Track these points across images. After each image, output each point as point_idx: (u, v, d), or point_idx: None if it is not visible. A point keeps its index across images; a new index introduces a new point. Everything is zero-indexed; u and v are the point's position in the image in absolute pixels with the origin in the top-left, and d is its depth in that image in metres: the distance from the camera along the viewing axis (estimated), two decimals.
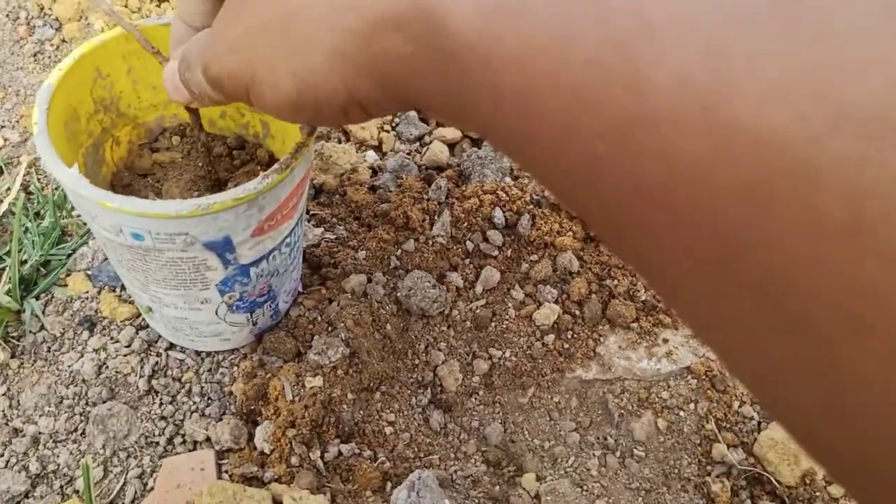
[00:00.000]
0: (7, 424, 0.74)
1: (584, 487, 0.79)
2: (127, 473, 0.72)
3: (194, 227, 0.57)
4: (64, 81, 0.63)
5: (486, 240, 0.90)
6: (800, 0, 0.19)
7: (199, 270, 0.62)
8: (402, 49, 0.30)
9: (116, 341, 0.78)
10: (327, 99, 0.35)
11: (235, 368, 0.78)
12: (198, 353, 0.79)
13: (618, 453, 0.81)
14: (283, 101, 0.37)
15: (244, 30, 0.38)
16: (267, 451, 0.72)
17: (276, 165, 0.58)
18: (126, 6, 1.01)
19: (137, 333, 0.78)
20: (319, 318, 0.78)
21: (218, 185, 0.73)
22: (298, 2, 0.34)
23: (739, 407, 0.83)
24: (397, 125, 1.01)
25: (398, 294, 0.84)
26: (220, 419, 0.75)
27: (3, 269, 0.80)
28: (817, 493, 0.78)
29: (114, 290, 0.81)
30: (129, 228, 0.57)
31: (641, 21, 0.21)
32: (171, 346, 0.79)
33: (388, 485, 0.74)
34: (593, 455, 0.81)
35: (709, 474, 0.80)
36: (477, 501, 0.75)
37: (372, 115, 0.36)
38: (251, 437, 0.73)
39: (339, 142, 0.99)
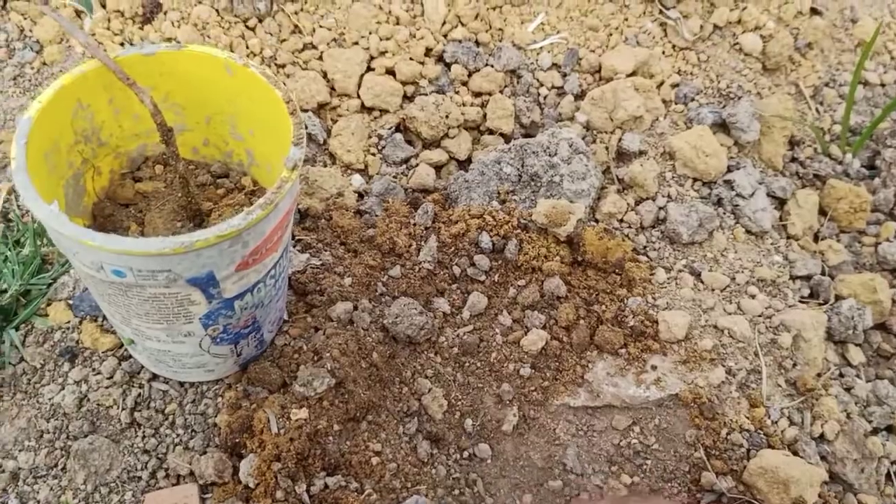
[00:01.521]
0: None
1: None
2: None
3: (177, 264, 0.56)
4: (44, 114, 0.61)
5: (473, 265, 0.89)
6: None
7: (182, 305, 0.61)
8: None
9: (98, 373, 0.77)
10: None
11: (220, 399, 0.77)
12: (181, 383, 0.77)
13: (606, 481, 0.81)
14: None
15: None
16: (252, 485, 0.70)
17: (260, 201, 0.57)
18: (108, 28, 1.00)
19: (120, 364, 0.77)
20: (305, 348, 0.77)
21: (199, 216, 0.72)
22: None
23: (728, 434, 0.82)
24: (383, 148, 1.00)
25: (384, 321, 0.83)
26: (205, 452, 0.73)
27: None
28: None
29: (96, 320, 0.79)
30: (111, 266, 0.56)
31: None
32: (155, 377, 0.77)
33: None
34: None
35: (699, 502, 0.80)
36: None
37: None
38: (235, 470, 0.72)
39: (325, 165, 0.98)
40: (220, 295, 0.62)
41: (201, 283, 0.59)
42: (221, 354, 0.72)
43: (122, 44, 0.99)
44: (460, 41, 1.06)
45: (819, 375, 0.89)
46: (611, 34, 1.11)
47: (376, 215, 0.93)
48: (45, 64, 1.00)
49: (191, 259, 0.56)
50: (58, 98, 0.63)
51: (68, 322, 0.79)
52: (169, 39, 0.98)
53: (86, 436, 0.74)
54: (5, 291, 0.79)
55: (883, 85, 1.18)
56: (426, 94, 1.03)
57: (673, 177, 1.00)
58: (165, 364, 0.73)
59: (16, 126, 0.59)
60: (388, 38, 1.04)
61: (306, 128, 0.97)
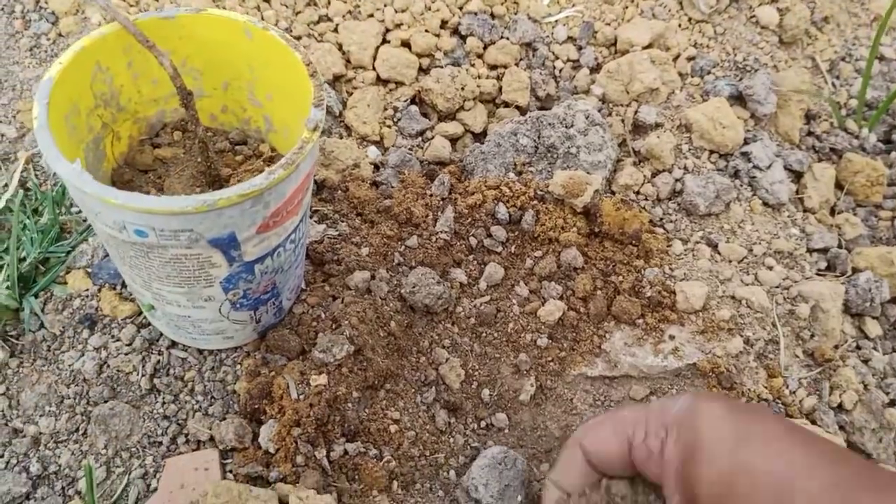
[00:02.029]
0: (7, 425, 0.73)
1: None
2: (130, 474, 0.71)
3: (199, 223, 0.56)
4: (64, 75, 0.61)
5: (489, 235, 0.89)
6: None
7: (203, 268, 0.61)
8: None
9: (118, 340, 0.77)
10: None
11: (239, 367, 0.77)
12: (200, 351, 0.78)
13: None
14: None
15: None
16: (272, 450, 0.70)
17: (281, 161, 0.57)
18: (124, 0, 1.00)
19: (139, 332, 0.77)
20: (323, 316, 0.77)
21: (218, 182, 0.72)
22: None
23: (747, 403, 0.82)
24: (398, 120, 1.00)
25: (402, 290, 0.83)
26: (224, 418, 0.74)
27: (2, 266, 0.79)
28: None
29: (114, 288, 0.79)
30: (133, 225, 0.56)
31: None
32: (174, 345, 0.78)
33: (395, 484, 0.73)
34: None
35: None
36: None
37: None
38: (255, 436, 0.72)
39: (341, 137, 0.98)
40: (240, 258, 0.62)
41: (223, 245, 0.59)
42: (241, 321, 0.72)
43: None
44: (476, 13, 1.05)
45: (836, 347, 0.89)
46: (626, 7, 1.10)
47: (392, 187, 0.93)
48: (60, 35, 1.00)
49: (212, 218, 0.56)
50: (78, 60, 0.63)
51: (87, 290, 0.79)
52: None
53: (106, 401, 0.74)
54: (24, 259, 0.79)
55: None
56: (442, 67, 1.03)
57: (689, 149, 1.00)
58: (185, 330, 0.73)
59: (36, 89, 0.59)
60: (403, 11, 1.04)
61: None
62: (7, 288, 0.77)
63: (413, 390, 0.79)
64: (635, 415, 0.58)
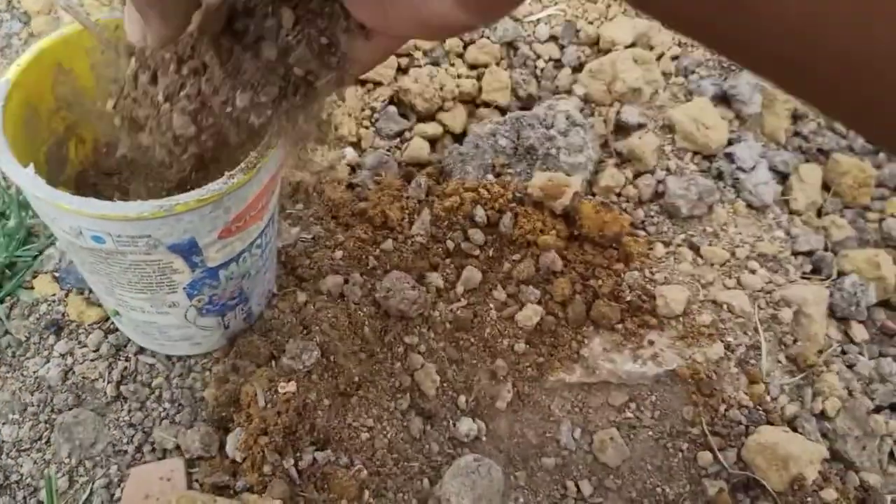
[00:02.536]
0: None
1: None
2: (93, 483, 0.70)
3: (157, 229, 0.54)
4: (22, 77, 0.60)
5: (467, 239, 0.88)
6: None
7: (164, 273, 0.60)
8: None
9: (84, 346, 0.75)
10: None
11: (207, 373, 0.75)
12: (168, 357, 0.76)
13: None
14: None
15: None
16: (238, 459, 0.69)
17: (241, 165, 0.55)
18: None
19: (106, 337, 0.76)
20: (294, 321, 0.76)
21: (186, 185, 0.71)
22: None
23: (726, 411, 0.81)
24: (377, 121, 0.98)
25: (376, 295, 0.81)
26: (191, 426, 0.72)
27: None
28: (808, 499, 0.76)
29: (82, 293, 0.78)
30: (90, 231, 0.54)
31: None
32: (141, 351, 0.76)
33: (366, 493, 0.71)
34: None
35: (701, 477, 0.78)
36: None
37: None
38: (222, 444, 0.71)
39: None
40: (203, 263, 0.61)
41: (183, 251, 0.58)
42: (208, 327, 0.71)
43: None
44: None
45: (820, 352, 0.87)
46: (609, 5, 1.09)
47: (368, 189, 0.91)
48: (32, 35, 0.98)
49: (170, 224, 0.54)
50: (36, 61, 0.62)
51: (54, 294, 0.78)
52: None
53: (70, 409, 0.73)
54: None
55: None
56: (420, 66, 1.01)
57: (672, 150, 0.98)
58: (151, 336, 0.72)
59: None
60: None
61: None
62: None
63: (387, 397, 0.78)
64: None
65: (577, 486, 0.78)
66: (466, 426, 0.78)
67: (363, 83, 1.00)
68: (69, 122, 0.68)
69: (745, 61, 0.29)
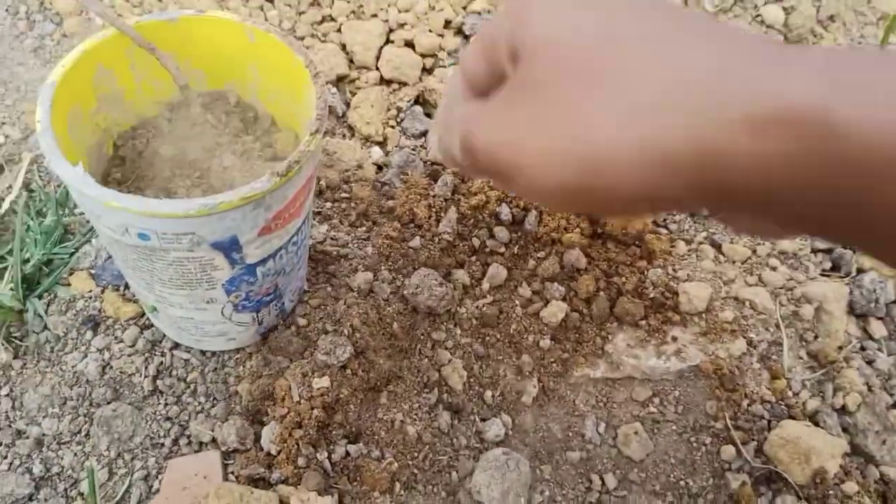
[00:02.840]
0: (10, 426, 0.73)
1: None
2: (132, 475, 0.71)
3: (201, 226, 0.56)
4: (66, 78, 0.61)
5: (492, 236, 0.89)
6: None
7: (205, 270, 0.62)
8: (761, 148, 0.30)
9: (120, 341, 0.77)
10: (611, 192, 0.34)
11: (241, 368, 0.77)
12: (203, 352, 0.78)
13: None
14: (554, 188, 0.36)
15: (528, 123, 0.36)
16: (273, 451, 0.71)
17: (283, 164, 0.57)
18: (127, 0, 1.00)
19: (142, 333, 0.78)
20: (325, 317, 0.78)
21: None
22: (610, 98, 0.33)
23: (749, 406, 0.82)
24: (402, 121, 1.00)
25: (404, 292, 0.83)
26: (226, 420, 0.74)
27: (6, 268, 0.79)
28: (830, 492, 0.77)
29: (118, 289, 0.80)
30: (135, 228, 0.56)
31: None
32: (176, 346, 0.78)
33: (397, 485, 0.73)
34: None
35: (724, 471, 0.80)
36: None
37: (658, 211, 0.37)
38: (257, 437, 0.73)
39: (344, 137, 0.98)
40: (242, 260, 0.62)
41: (225, 248, 0.59)
42: (243, 322, 0.72)
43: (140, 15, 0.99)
44: (479, 13, 1.05)
45: (840, 348, 0.89)
46: None
47: (395, 187, 0.93)
48: (65, 36, 1.00)
49: (214, 222, 0.56)
50: (80, 62, 0.63)
51: (90, 291, 0.80)
52: None
53: (108, 403, 0.74)
54: (28, 261, 0.80)
55: None
56: (445, 67, 1.02)
57: None
58: (188, 332, 0.73)
59: (39, 91, 0.59)
60: (406, 10, 1.04)
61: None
62: (11, 289, 0.77)
63: (415, 392, 0.79)
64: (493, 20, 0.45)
65: (601, 479, 0.79)
66: (495, 430, 0.79)
67: (388, 83, 1.02)
68: (109, 121, 0.70)
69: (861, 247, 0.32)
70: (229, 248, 0.60)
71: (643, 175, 0.32)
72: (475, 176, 0.46)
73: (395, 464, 0.73)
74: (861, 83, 0.29)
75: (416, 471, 0.75)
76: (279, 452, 0.70)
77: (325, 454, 0.71)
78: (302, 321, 0.77)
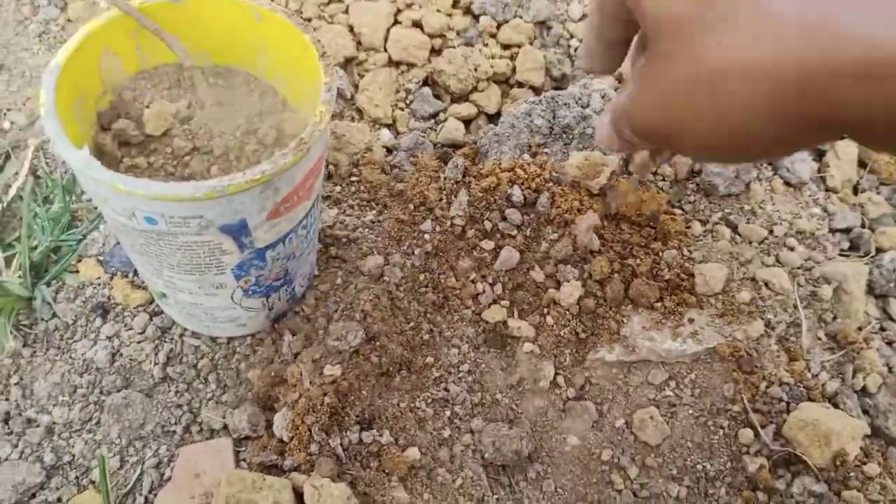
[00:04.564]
0: (21, 415, 0.72)
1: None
2: (143, 463, 0.71)
3: (209, 210, 0.55)
4: (71, 61, 0.60)
5: (504, 219, 0.88)
6: None
7: (214, 255, 0.61)
8: (857, 93, 0.35)
9: (130, 328, 0.76)
10: (753, 143, 0.40)
11: (251, 354, 0.76)
12: (213, 339, 0.77)
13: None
14: (707, 148, 0.43)
15: (668, 87, 0.42)
16: (286, 438, 0.70)
17: (291, 145, 0.56)
18: None
19: (151, 320, 0.77)
20: (336, 302, 0.76)
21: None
22: (723, 64, 0.38)
23: (767, 388, 0.81)
24: (411, 102, 0.98)
25: (417, 276, 0.81)
26: (238, 406, 0.73)
27: (13, 255, 0.78)
28: (851, 474, 0.76)
29: (126, 276, 0.79)
30: (143, 212, 0.55)
31: None
32: (186, 332, 0.77)
33: (413, 471, 0.72)
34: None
35: (742, 454, 0.79)
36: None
37: (793, 150, 0.43)
38: (269, 424, 0.72)
39: (353, 120, 0.96)
40: (251, 244, 0.61)
41: (233, 231, 0.58)
42: (253, 308, 0.71)
43: None
44: None
45: (860, 329, 0.87)
46: None
47: (405, 170, 0.91)
48: (69, 20, 0.99)
49: (222, 205, 0.55)
50: (84, 45, 0.62)
51: (99, 278, 0.79)
52: None
53: (119, 390, 0.73)
54: (36, 248, 0.79)
55: None
56: (454, 47, 1.01)
57: None
58: (197, 318, 0.72)
59: (43, 76, 0.58)
60: None
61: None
62: (19, 277, 0.76)
63: (429, 378, 0.78)
64: None
65: (617, 463, 0.78)
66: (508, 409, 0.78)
67: (397, 65, 1.01)
68: (114, 105, 0.69)
69: None
70: (238, 231, 0.59)
71: (776, 129, 0.38)
72: (649, 149, 0.63)
73: (409, 448, 0.72)
74: None
75: (431, 456, 0.74)
76: (291, 439, 0.70)
77: (338, 440, 0.70)
78: (312, 306, 0.76)
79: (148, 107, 0.66)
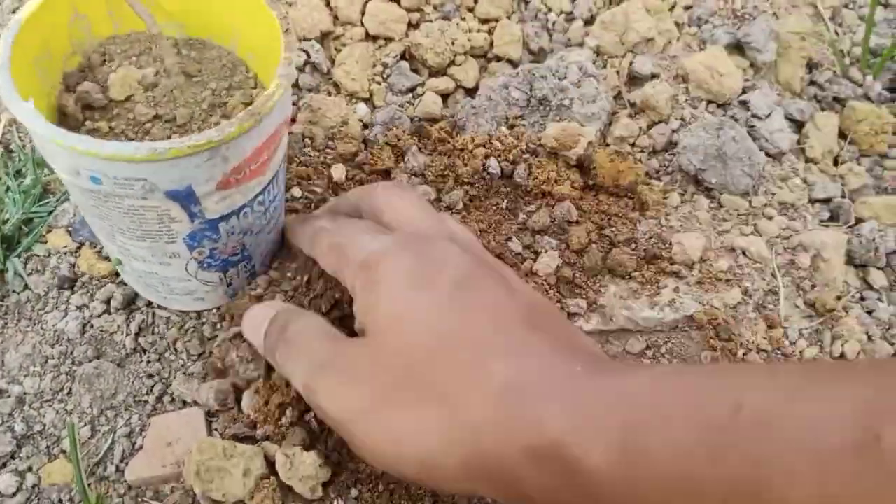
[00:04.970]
0: None
1: None
2: (115, 433, 0.71)
3: (153, 173, 0.55)
4: (35, 16, 0.60)
5: None
6: None
7: (163, 221, 0.60)
8: (540, 481, 0.38)
9: (96, 299, 0.76)
10: (444, 481, 0.45)
11: (214, 329, 0.75)
12: (184, 311, 0.76)
13: None
14: (393, 463, 0.48)
15: (370, 380, 0.48)
16: (254, 417, 0.69)
17: (240, 114, 0.55)
18: None
19: (118, 289, 0.76)
20: (299, 279, 0.75)
21: None
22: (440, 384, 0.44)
23: (745, 355, 0.80)
24: (388, 77, 0.98)
25: None
26: (205, 379, 0.72)
27: None
28: None
29: (94, 247, 0.79)
30: (87, 171, 0.55)
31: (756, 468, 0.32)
32: (153, 304, 0.76)
33: None
34: None
35: None
36: None
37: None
38: (238, 397, 0.71)
39: (329, 94, 0.96)
40: (202, 214, 0.61)
41: (181, 198, 0.58)
42: (210, 282, 0.71)
43: None
44: None
45: (839, 298, 0.86)
46: None
47: (381, 144, 0.91)
48: None
49: (165, 169, 0.54)
50: (51, 3, 0.62)
51: (66, 247, 0.79)
52: None
53: (90, 361, 0.73)
54: (7, 221, 0.79)
55: None
56: (431, 21, 1.00)
57: (686, 99, 0.97)
58: (154, 288, 0.72)
59: (3, 29, 0.58)
60: None
61: (309, 55, 0.95)
62: None
63: None
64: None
65: None
66: None
67: (374, 39, 1.00)
68: (82, 68, 0.69)
69: None
70: (186, 198, 0.58)
71: (469, 481, 0.43)
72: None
73: None
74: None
75: None
76: (263, 420, 0.68)
77: (312, 414, 0.69)
78: (274, 284, 0.75)
79: (115, 72, 0.66)
